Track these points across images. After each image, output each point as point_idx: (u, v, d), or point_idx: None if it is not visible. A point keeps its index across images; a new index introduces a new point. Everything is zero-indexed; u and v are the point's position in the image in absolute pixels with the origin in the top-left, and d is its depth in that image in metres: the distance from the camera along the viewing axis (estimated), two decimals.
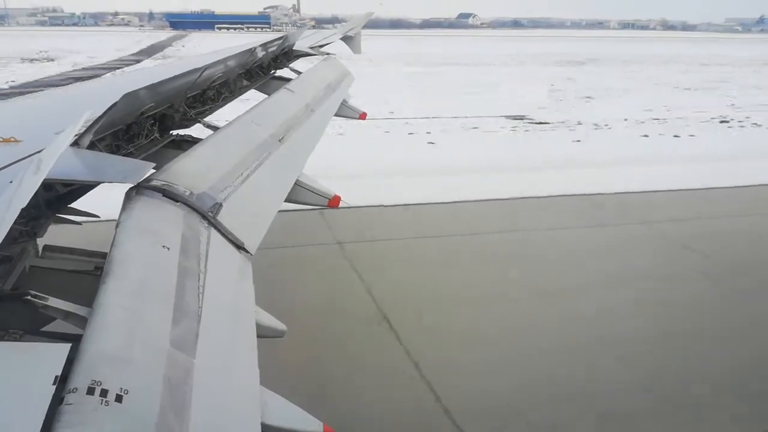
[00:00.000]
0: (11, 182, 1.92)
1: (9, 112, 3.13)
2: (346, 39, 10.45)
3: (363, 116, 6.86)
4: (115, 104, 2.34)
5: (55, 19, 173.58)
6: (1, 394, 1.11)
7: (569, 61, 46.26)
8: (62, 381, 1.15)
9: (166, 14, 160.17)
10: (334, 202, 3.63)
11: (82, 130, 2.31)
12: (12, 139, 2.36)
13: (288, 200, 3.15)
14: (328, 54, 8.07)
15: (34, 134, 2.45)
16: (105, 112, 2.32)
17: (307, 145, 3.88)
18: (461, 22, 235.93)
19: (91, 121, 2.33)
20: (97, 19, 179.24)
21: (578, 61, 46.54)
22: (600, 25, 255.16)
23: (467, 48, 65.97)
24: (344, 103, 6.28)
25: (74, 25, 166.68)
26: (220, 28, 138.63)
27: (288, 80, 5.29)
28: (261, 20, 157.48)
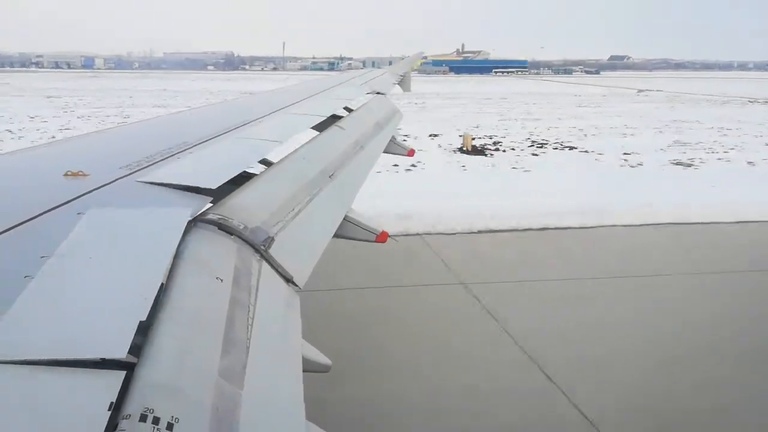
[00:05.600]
0: (78, 213, 2.03)
1: (80, 147, 3.33)
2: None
3: (411, 153, 6.93)
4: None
5: (314, 66, 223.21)
6: (59, 419, 1.15)
7: None
8: (116, 408, 1.19)
9: (446, 61, 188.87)
10: (381, 237, 3.65)
11: None
12: (80, 173, 2.50)
13: (336, 235, 3.19)
14: (377, 93, 8.25)
15: (101, 168, 2.59)
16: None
17: (356, 181, 3.94)
18: (615, 63, 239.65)
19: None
20: (333, 66, 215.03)
21: None
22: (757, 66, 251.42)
23: None
24: (393, 140, 6.37)
25: (319, 69, 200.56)
26: (496, 73, 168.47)
27: (339, 118, 5.42)
28: (519, 64, 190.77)
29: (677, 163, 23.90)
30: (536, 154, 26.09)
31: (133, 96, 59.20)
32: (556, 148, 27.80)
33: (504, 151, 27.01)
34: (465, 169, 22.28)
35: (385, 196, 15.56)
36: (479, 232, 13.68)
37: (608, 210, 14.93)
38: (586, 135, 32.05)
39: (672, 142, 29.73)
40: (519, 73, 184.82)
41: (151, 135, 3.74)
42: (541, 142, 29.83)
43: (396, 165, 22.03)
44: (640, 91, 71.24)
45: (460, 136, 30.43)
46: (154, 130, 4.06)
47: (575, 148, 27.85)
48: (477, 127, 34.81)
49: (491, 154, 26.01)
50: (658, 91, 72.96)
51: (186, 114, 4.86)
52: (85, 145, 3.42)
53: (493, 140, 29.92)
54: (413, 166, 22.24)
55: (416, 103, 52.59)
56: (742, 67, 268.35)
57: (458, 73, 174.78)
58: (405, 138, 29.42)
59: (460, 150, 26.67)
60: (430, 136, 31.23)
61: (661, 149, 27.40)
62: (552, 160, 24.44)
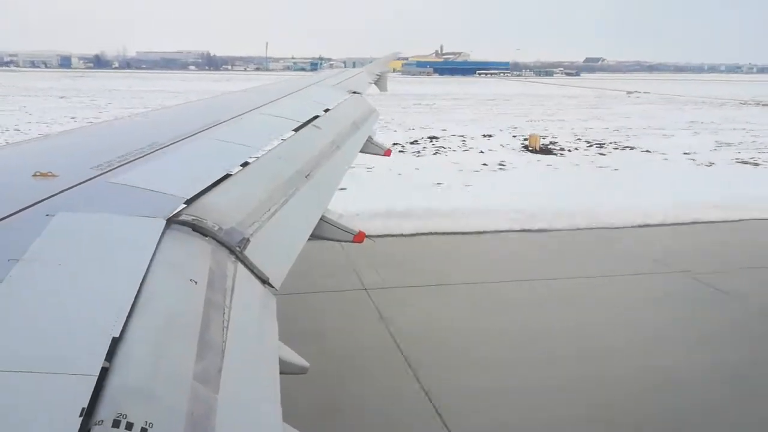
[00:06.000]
0: (47, 215, 1.99)
1: (49, 147, 3.25)
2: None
3: (388, 153, 6.94)
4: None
5: (295, 66, 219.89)
6: (28, 425, 1.12)
7: None
8: (88, 413, 1.16)
9: (429, 62, 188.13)
10: (358, 238, 3.65)
11: None
12: (50, 174, 2.45)
13: (313, 236, 3.17)
14: (354, 92, 8.24)
15: (71, 169, 2.54)
16: None
17: (332, 181, 3.93)
18: (591, 65, 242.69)
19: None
20: (315, 66, 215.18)
21: None
22: (738, 69, 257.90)
23: None
24: (369, 140, 6.37)
25: (300, 70, 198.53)
26: (479, 74, 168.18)
27: (315, 117, 5.40)
28: (502, 66, 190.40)
29: (742, 162, 24.42)
30: (603, 154, 26.25)
31: (144, 97, 58.57)
32: (616, 148, 27.98)
33: (569, 150, 27.10)
34: (555, 168, 22.34)
35: (513, 195, 16.33)
36: (639, 226, 13.97)
37: (741, 205, 15.36)
38: (628, 136, 32.27)
39: (714, 142, 30.10)
40: (502, 74, 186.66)
41: (124, 135, 3.68)
42: (596, 142, 30.00)
43: (485, 164, 22.51)
44: (629, 93, 72.35)
45: (514, 136, 30.71)
46: (127, 129, 3.99)
47: (634, 148, 28.08)
48: (516, 128, 34.78)
49: (561, 154, 25.98)
50: (645, 93, 74.08)
51: (158, 113, 4.79)
52: (56, 144, 3.34)
53: (548, 140, 30.01)
54: (501, 166, 22.50)
55: (427, 104, 52.61)
56: (713, 69, 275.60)
57: (441, 74, 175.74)
58: (463, 139, 29.79)
59: (527, 149, 26.69)
60: (484, 136, 31.34)
61: (714, 149, 27.77)
62: (625, 160, 24.56)
